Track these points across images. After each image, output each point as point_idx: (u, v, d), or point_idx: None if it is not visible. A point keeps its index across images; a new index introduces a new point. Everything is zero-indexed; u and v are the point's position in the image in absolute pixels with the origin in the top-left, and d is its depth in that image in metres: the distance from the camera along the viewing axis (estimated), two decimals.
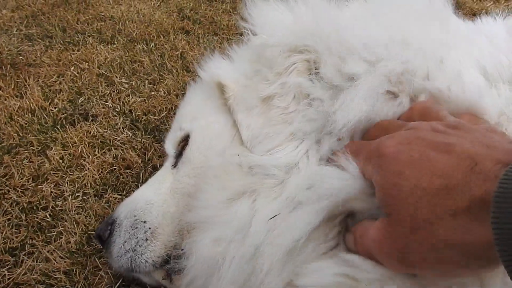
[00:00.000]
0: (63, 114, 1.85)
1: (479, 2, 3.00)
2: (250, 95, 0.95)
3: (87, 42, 2.43)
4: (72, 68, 2.18)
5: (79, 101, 1.93)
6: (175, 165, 1.11)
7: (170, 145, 1.16)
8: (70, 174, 1.56)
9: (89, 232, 1.36)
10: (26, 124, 1.78)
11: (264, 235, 0.73)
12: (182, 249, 0.95)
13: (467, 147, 0.54)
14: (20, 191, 1.49)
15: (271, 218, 0.74)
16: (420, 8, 0.89)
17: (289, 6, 1.00)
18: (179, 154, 1.10)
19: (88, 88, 2.02)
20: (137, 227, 1.05)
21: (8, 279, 1.22)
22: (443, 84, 0.74)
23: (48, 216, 1.41)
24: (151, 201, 1.07)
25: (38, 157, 1.64)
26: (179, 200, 1.02)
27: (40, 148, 1.68)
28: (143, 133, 1.75)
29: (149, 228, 1.04)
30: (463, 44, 0.84)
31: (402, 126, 0.68)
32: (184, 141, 1.09)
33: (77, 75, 2.12)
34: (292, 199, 0.75)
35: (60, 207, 1.44)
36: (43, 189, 1.50)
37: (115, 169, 1.58)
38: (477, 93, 0.72)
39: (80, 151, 1.64)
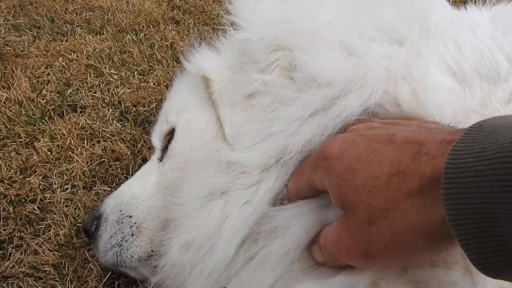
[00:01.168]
0: (51, 105, 1.83)
1: None
2: (234, 90, 0.94)
3: (76, 32, 2.41)
4: (61, 58, 2.16)
5: (68, 93, 1.92)
6: (161, 158, 1.11)
7: (156, 138, 1.16)
8: (58, 166, 1.56)
9: (78, 224, 1.36)
10: (13, 115, 1.77)
11: (232, 254, 0.73)
12: (161, 242, 0.96)
13: (409, 134, 0.56)
14: (8, 184, 1.48)
15: None
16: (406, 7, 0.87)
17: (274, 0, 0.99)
18: (165, 148, 1.10)
19: (76, 79, 2.01)
20: (123, 222, 1.05)
21: None
22: (407, 93, 0.73)
23: (36, 208, 1.41)
24: (137, 195, 1.07)
25: (26, 149, 1.63)
26: (164, 195, 1.02)
27: (28, 140, 1.67)
28: (133, 125, 1.74)
29: (135, 223, 1.04)
30: (440, 43, 0.81)
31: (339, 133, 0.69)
32: (170, 135, 1.08)
33: (66, 66, 2.10)
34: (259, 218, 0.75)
35: (48, 199, 1.44)
36: (31, 181, 1.50)
37: (104, 161, 1.58)
38: (441, 96, 0.71)
39: (69, 143, 1.63)
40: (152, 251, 1.01)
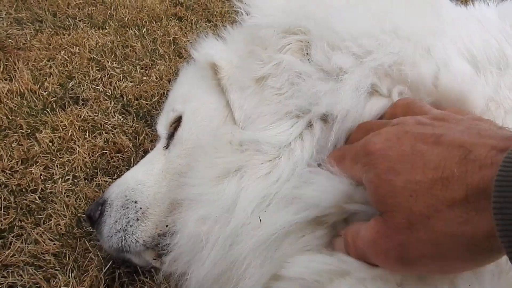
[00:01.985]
0: (53, 97, 1.82)
1: None
2: (243, 75, 0.94)
3: (78, 26, 2.40)
4: (63, 52, 2.15)
5: (70, 85, 1.91)
6: (167, 146, 1.10)
7: (162, 127, 1.15)
8: (60, 157, 1.55)
9: (79, 214, 1.34)
10: (15, 107, 1.75)
11: (249, 215, 0.73)
12: (167, 226, 0.95)
13: (457, 136, 0.52)
14: (9, 173, 1.47)
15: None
16: None
17: None
18: (171, 136, 1.09)
19: (78, 72, 2.00)
20: (128, 207, 1.04)
21: None
22: (429, 74, 0.73)
23: (37, 198, 1.40)
24: (143, 182, 1.07)
25: (28, 140, 1.62)
26: (170, 181, 1.01)
27: (29, 131, 1.66)
28: (135, 118, 1.73)
29: (140, 208, 1.03)
30: (454, 31, 0.82)
31: (386, 124, 0.65)
32: (177, 122, 1.08)
33: (68, 59, 2.09)
34: (281, 185, 0.74)
35: (49, 189, 1.43)
36: (32, 171, 1.48)
37: (105, 152, 1.56)
38: (464, 82, 0.71)
39: (70, 135, 1.62)
40: (158, 235, 1.00)
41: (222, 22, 2.40)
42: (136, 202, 1.05)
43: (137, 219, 1.03)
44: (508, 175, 0.42)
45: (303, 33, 0.85)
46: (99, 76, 1.97)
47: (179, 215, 0.87)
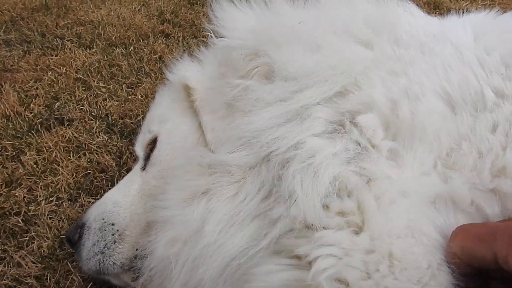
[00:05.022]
0: (39, 119, 1.84)
1: (456, 1, 3.05)
2: (215, 98, 0.96)
3: (66, 46, 2.42)
4: (50, 73, 2.17)
5: (55, 106, 1.93)
6: (144, 167, 1.11)
7: (139, 148, 1.17)
8: (44, 179, 1.56)
9: (61, 236, 1.35)
10: (0, 129, 1.76)
11: (216, 235, 0.74)
12: (137, 249, 0.96)
13: None
14: None
15: None
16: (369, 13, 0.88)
17: (252, 8, 1.02)
18: (147, 157, 1.11)
19: (65, 93, 2.01)
20: (105, 230, 1.05)
21: None
22: (390, 100, 0.72)
23: (20, 221, 1.40)
24: (119, 204, 1.08)
25: (12, 163, 1.63)
26: (146, 203, 1.03)
27: (14, 153, 1.67)
28: (119, 137, 1.74)
29: (117, 231, 1.04)
30: (425, 59, 0.79)
31: None
32: (152, 144, 1.10)
33: (54, 79, 2.11)
34: (248, 202, 0.76)
35: (33, 212, 1.44)
36: (16, 194, 1.49)
37: (89, 173, 1.57)
38: (431, 116, 0.70)
39: (55, 156, 1.63)
40: (135, 257, 1.01)
41: (208, 38, 2.43)
42: (113, 224, 1.05)
43: (114, 241, 1.03)
44: None
45: (268, 56, 0.87)
46: (85, 96, 1.99)
47: (151, 237, 0.88)
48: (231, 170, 0.81)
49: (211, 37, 1.05)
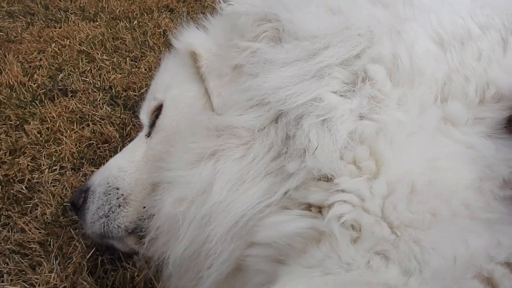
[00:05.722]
0: (42, 89, 1.83)
1: None
2: (221, 63, 0.95)
3: (69, 19, 2.41)
4: (53, 44, 2.16)
5: (59, 77, 1.92)
6: (148, 134, 1.11)
7: (144, 115, 1.16)
8: (47, 148, 1.56)
9: (64, 204, 1.35)
10: (4, 99, 1.76)
11: (225, 194, 0.74)
12: (144, 207, 0.97)
13: None
14: None
15: None
16: None
17: None
18: (152, 124, 1.10)
19: (68, 65, 2.00)
20: (110, 194, 1.06)
21: None
22: (389, 54, 0.76)
23: (24, 188, 1.41)
24: (124, 169, 1.08)
25: (16, 132, 1.63)
26: (151, 167, 1.02)
27: (18, 122, 1.67)
28: (122, 109, 1.74)
29: (122, 195, 1.05)
30: (423, 15, 0.84)
31: None
32: (158, 111, 1.09)
33: (58, 51, 2.10)
34: (257, 162, 0.76)
35: (36, 179, 1.44)
36: (20, 162, 1.49)
37: (92, 143, 1.57)
38: (425, 60, 0.74)
39: (58, 126, 1.63)
40: (140, 218, 1.02)
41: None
42: (118, 188, 1.06)
43: (119, 205, 1.04)
44: None
45: (277, 20, 0.86)
46: (89, 68, 1.98)
47: (157, 197, 0.89)
48: (239, 132, 0.81)
49: (219, 2, 1.03)
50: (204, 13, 2.48)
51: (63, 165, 1.50)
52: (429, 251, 0.57)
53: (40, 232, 1.28)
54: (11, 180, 1.44)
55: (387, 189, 0.63)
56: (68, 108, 1.73)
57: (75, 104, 1.75)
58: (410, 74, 0.72)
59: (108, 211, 1.04)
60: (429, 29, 0.79)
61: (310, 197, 0.68)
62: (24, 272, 1.18)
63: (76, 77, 1.92)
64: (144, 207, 1.00)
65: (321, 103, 0.72)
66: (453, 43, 0.76)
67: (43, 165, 1.50)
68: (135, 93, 1.82)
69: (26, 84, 1.86)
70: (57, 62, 2.02)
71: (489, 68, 0.71)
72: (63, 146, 1.56)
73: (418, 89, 0.71)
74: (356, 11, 0.81)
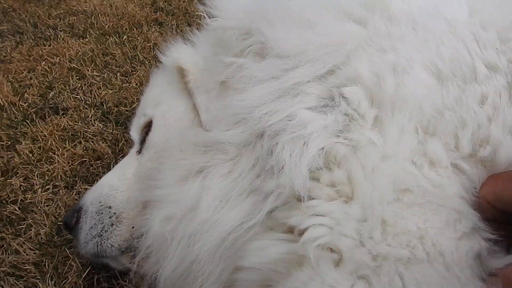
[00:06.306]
0: (33, 108, 1.83)
1: None
2: (209, 78, 0.95)
3: (59, 36, 2.41)
4: (43, 62, 2.16)
5: (50, 95, 1.92)
6: (139, 151, 1.11)
7: (135, 132, 1.16)
8: (40, 167, 1.55)
9: (58, 223, 1.35)
10: None
11: (212, 212, 0.74)
12: (133, 227, 0.97)
13: None
14: None
15: None
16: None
17: None
18: (143, 140, 1.11)
19: (59, 82, 2.00)
20: (102, 213, 1.05)
21: None
22: (376, 74, 0.72)
23: (17, 209, 1.40)
24: (116, 187, 1.08)
25: (8, 152, 1.62)
26: (142, 185, 1.02)
27: (9, 143, 1.66)
28: (114, 125, 1.74)
29: (114, 213, 1.04)
30: (416, 35, 0.78)
31: None
32: (148, 127, 1.09)
33: (48, 69, 2.10)
34: (243, 179, 0.76)
35: (29, 200, 1.44)
36: (12, 182, 1.49)
37: (85, 160, 1.57)
38: (414, 88, 0.70)
39: (50, 144, 1.63)
40: (132, 238, 1.02)
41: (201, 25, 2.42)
42: (110, 207, 1.06)
43: (112, 224, 1.04)
44: None
45: (261, 34, 0.86)
46: (79, 85, 1.98)
47: (146, 216, 0.89)
48: (226, 148, 0.81)
49: (204, 18, 1.04)
50: (191, 26, 2.50)
51: (56, 184, 1.50)
52: None
53: (34, 253, 1.27)
54: (3, 202, 1.44)
55: (362, 213, 0.61)
56: (60, 126, 1.73)
57: (67, 122, 1.75)
58: (392, 99, 0.69)
59: (101, 230, 1.03)
60: (425, 56, 0.73)
61: (290, 219, 0.67)
62: None
63: (67, 94, 1.92)
64: (133, 227, 1.00)
65: (293, 120, 0.71)
66: (452, 78, 0.70)
67: (36, 184, 1.49)
68: (127, 108, 1.82)
69: (17, 104, 1.86)
70: (47, 80, 2.02)
71: (493, 120, 0.64)
72: (55, 164, 1.56)
73: (398, 114, 0.67)
74: (331, 26, 0.80)
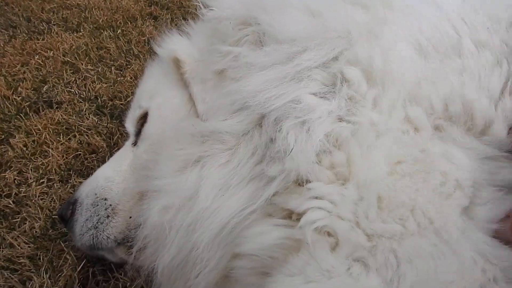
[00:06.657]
0: (27, 102, 1.81)
1: None
2: (205, 68, 0.95)
3: (52, 30, 2.39)
4: (37, 56, 2.14)
5: (44, 89, 1.90)
6: (135, 143, 1.11)
7: (130, 124, 1.16)
8: (34, 161, 1.54)
9: (53, 216, 1.34)
10: None
11: (211, 201, 0.74)
12: (130, 217, 0.96)
13: None
14: None
15: None
16: None
17: None
18: (138, 132, 1.10)
19: (52, 76, 1.99)
20: (98, 205, 1.05)
21: None
22: (365, 56, 0.75)
23: (11, 202, 1.39)
24: (111, 179, 1.07)
25: (1, 146, 1.61)
26: (138, 176, 1.02)
27: (3, 136, 1.65)
28: (109, 118, 1.73)
29: (110, 205, 1.04)
30: (405, 18, 0.82)
31: None
32: (143, 119, 1.09)
33: (42, 63, 2.08)
34: (242, 167, 0.76)
35: (23, 193, 1.42)
36: (6, 176, 1.47)
37: (80, 154, 1.56)
38: (398, 63, 0.74)
39: (44, 138, 1.61)
40: (128, 230, 1.01)
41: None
42: (106, 199, 1.05)
43: (108, 216, 1.03)
44: None
45: (257, 24, 0.86)
46: (73, 78, 1.97)
47: (144, 206, 0.88)
48: (223, 137, 0.81)
49: (200, 8, 1.04)
50: (186, 19, 2.49)
51: (51, 177, 1.49)
52: (406, 264, 0.57)
53: (29, 247, 1.26)
54: None
55: (358, 194, 0.63)
56: (54, 120, 1.71)
57: (61, 116, 1.73)
58: (382, 75, 0.72)
59: (97, 222, 1.03)
60: (410, 35, 0.78)
61: (290, 203, 0.68)
62: None
63: (61, 88, 1.90)
64: (130, 217, 0.99)
65: (299, 104, 0.72)
66: (434, 53, 0.74)
67: (30, 178, 1.48)
68: (121, 102, 1.81)
69: (10, 98, 1.84)
70: (41, 74, 2.01)
71: (469, 85, 0.70)
72: (49, 158, 1.54)
73: (388, 90, 0.70)
74: (335, 13, 0.81)
